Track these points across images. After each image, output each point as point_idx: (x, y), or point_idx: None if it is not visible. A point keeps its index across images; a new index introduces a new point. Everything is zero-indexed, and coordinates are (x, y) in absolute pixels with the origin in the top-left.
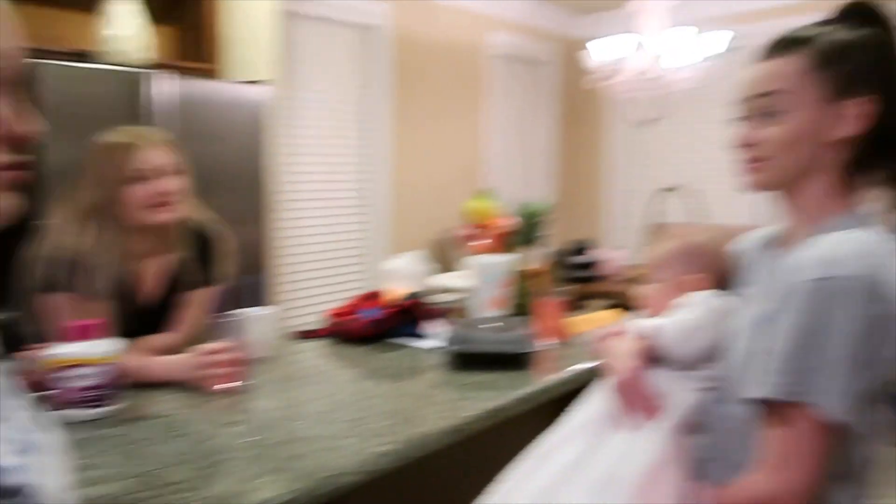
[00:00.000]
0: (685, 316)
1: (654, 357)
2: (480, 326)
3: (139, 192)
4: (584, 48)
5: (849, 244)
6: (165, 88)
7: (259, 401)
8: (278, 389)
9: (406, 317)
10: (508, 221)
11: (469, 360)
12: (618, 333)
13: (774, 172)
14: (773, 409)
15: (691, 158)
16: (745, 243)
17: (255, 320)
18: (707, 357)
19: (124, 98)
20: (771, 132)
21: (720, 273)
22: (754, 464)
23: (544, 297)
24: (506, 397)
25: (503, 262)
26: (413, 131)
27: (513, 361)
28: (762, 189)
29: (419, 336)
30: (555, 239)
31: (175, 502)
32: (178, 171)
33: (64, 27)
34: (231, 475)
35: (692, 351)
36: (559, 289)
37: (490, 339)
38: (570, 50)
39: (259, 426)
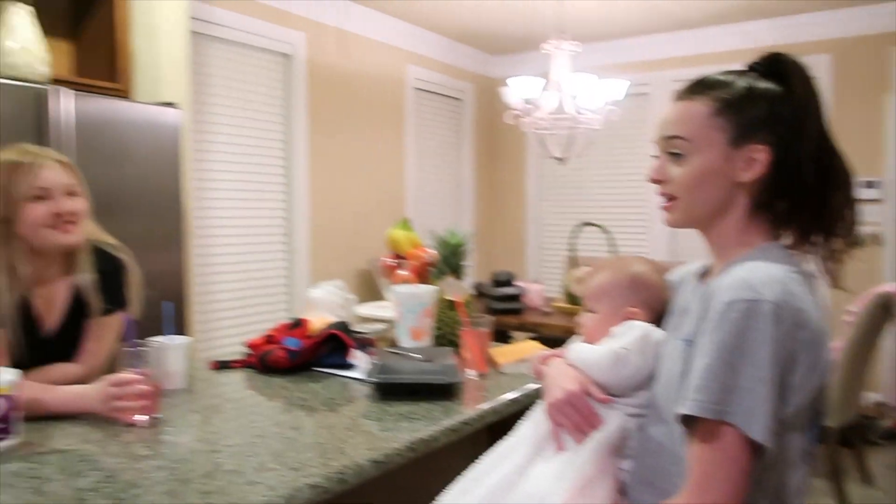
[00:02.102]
0: (615, 344)
1: (590, 381)
2: (405, 356)
3: (37, 211)
4: (501, 86)
5: (761, 271)
6: (65, 106)
7: (174, 433)
8: (195, 421)
9: (330, 347)
10: (429, 251)
11: (394, 391)
12: (556, 356)
13: (685, 210)
14: (696, 429)
15: (604, 193)
16: (678, 276)
17: (169, 349)
18: (637, 385)
19: (21, 114)
20: (678, 172)
21: (659, 305)
22: (680, 488)
23: (468, 327)
24: (432, 428)
25: (425, 291)
26: (331, 160)
27: (439, 392)
28: (676, 225)
29: (343, 366)
30: (476, 270)
31: None
32: (77, 192)
33: None
34: None
35: (620, 379)
36: (482, 319)
37: (415, 369)
38: (489, 87)
39: (174, 459)
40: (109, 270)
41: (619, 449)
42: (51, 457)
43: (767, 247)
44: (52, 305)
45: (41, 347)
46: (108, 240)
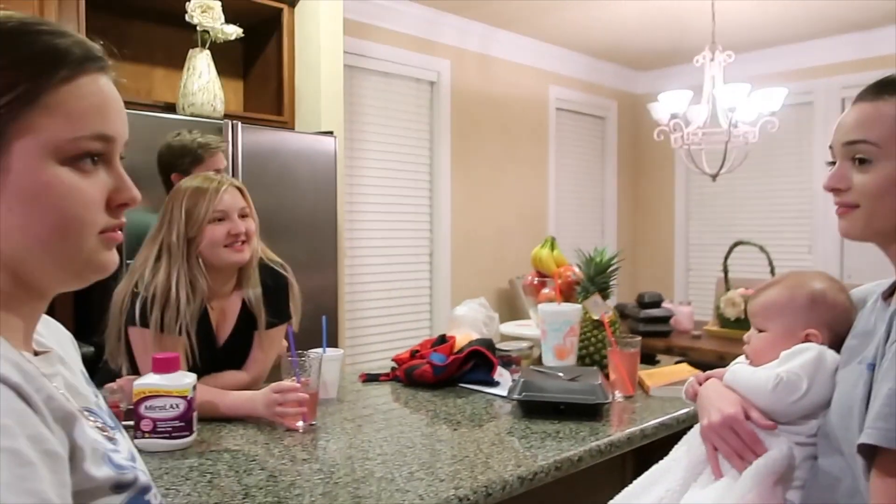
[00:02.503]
0: (782, 368)
1: (750, 405)
2: (550, 375)
3: (217, 232)
4: (646, 102)
5: None
6: (236, 137)
7: (329, 440)
8: (348, 429)
9: (474, 363)
10: (575, 270)
11: (539, 409)
12: (713, 378)
13: (866, 220)
14: (878, 461)
15: (760, 210)
16: (861, 294)
17: (325, 361)
18: (807, 412)
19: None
20: (862, 180)
21: (841, 328)
22: None
23: (615, 347)
24: (578, 448)
25: (570, 310)
26: (474, 181)
27: (584, 412)
28: (852, 235)
29: (487, 383)
30: (619, 292)
31: None
32: (249, 214)
33: (151, 81)
34: None
35: (786, 405)
36: (631, 340)
37: (560, 388)
38: (633, 104)
39: (330, 464)
40: (275, 286)
41: (785, 478)
42: (223, 455)
43: None
44: (225, 317)
45: (215, 356)
46: (273, 257)
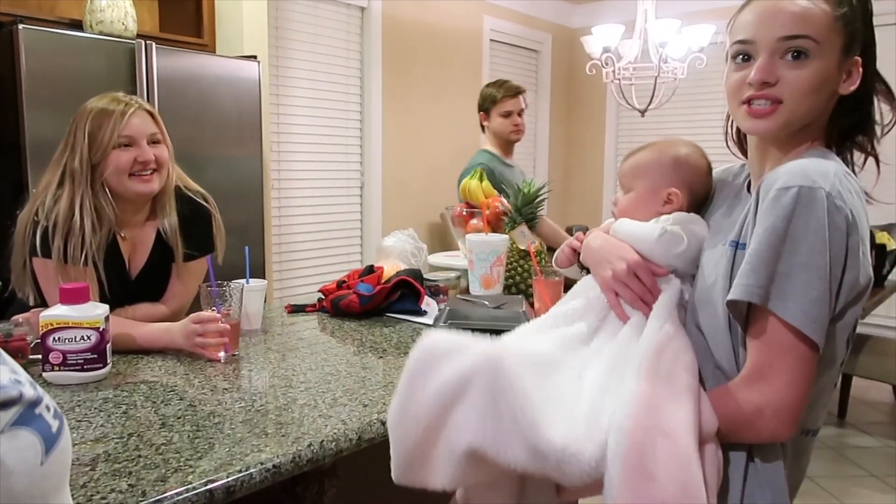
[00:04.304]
0: (662, 223)
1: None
2: (476, 303)
3: (121, 158)
4: (580, 37)
5: (817, 164)
6: (151, 60)
7: (252, 370)
8: (271, 359)
9: (401, 293)
10: (503, 201)
11: None
12: (598, 232)
13: (788, 117)
14: (753, 318)
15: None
16: (719, 174)
17: (248, 291)
18: (678, 270)
19: (111, 69)
20: (795, 75)
21: (701, 190)
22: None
23: (540, 276)
24: None
25: (497, 240)
26: (406, 112)
27: None
28: (771, 132)
29: (415, 312)
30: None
31: (170, 461)
32: (160, 140)
33: None
34: (225, 438)
35: (669, 258)
36: (554, 269)
37: (485, 315)
38: (567, 38)
39: (252, 393)
40: (194, 216)
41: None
42: (139, 386)
43: (821, 151)
44: (138, 248)
45: (127, 287)
46: (194, 187)
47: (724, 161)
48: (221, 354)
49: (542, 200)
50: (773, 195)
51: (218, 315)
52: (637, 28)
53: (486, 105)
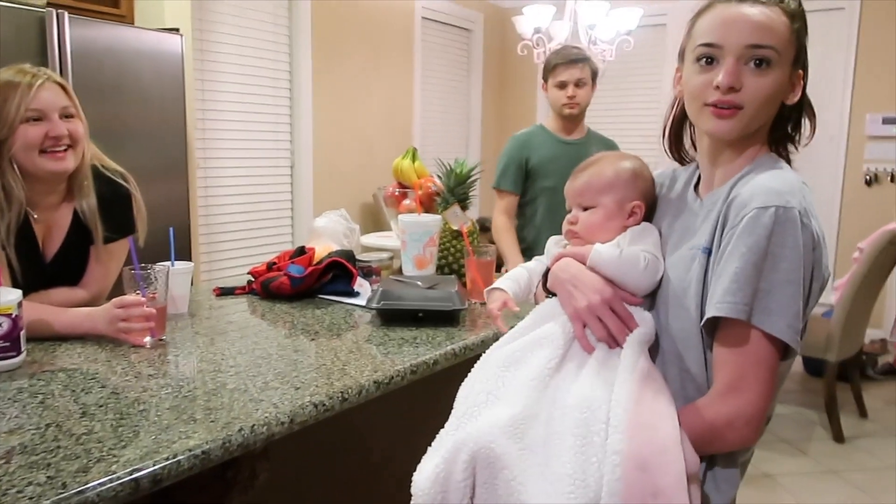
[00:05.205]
0: (638, 248)
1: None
2: (409, 284)
3: (31, 133)
4: (512, 16)
5: (783, 180)
6: (64, 30)
7: (179, 355)
8: (199, 343)
9: (333, 274)
10: (436, 181)
11: (397, 317)
12: (568, 258)
13: (747, 123)
14: (726, 333)
15: (610, 131)
16: (659, 178)
17: (173, 274)
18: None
19: (19, 39)
20: (757, 82)
21: (652, 200)
22: (712, 390)
23: (472, 257)
24: (434, 352)
25: (430, 221)
26: (337, 90)
27: (441, 318)
28: (731, 136)
29: (347, 293)
30: (482, 203)
31: (92, 451)
32: (74, 114)
33: None
34: (151, 425)
35: (649, 285)
36: (486, 249)
37: (418, 296)
38: (499, 17)
39: (179, 378)
40: (113, 197)
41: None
42: (57, 375)
43: (773, 158)
44: (53, 230)
45: (42, 272)
46: (112, 166)
47: (648, 151)
48: (147, 340)
49: (474, 181)
50: (752, 214)
51: (143, 299)
52: (567, 9)
53: (545, 74)
